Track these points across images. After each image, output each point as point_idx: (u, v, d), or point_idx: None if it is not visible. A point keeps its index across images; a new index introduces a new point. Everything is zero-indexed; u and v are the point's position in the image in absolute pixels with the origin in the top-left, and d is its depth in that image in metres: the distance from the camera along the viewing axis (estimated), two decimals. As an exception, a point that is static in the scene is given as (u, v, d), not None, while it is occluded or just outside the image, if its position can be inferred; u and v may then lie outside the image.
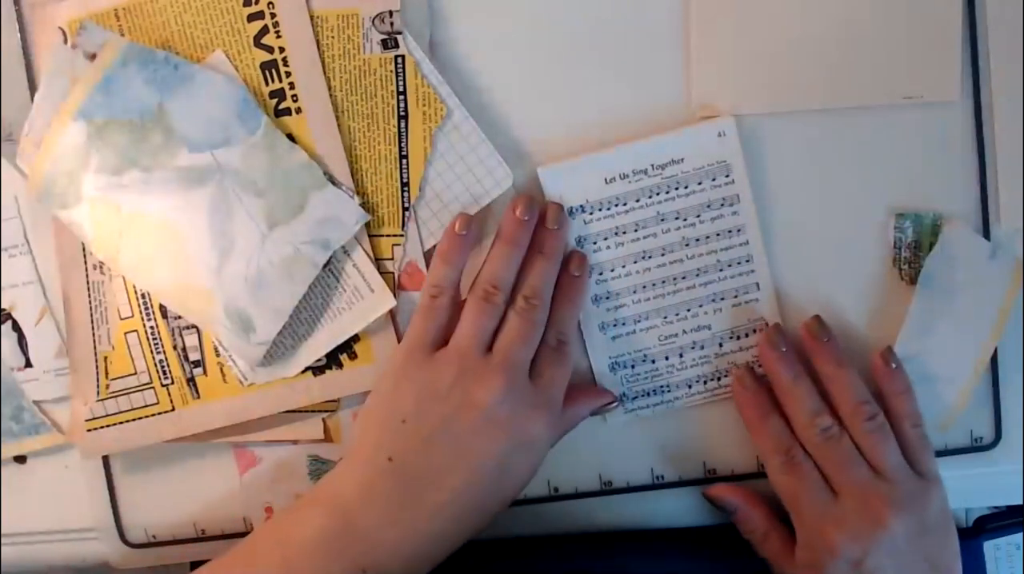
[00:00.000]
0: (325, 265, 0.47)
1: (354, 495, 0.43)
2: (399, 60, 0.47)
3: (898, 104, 0.48)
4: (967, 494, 0.51)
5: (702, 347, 0.49)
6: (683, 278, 0.49)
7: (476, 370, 0.44)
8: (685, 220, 0.48)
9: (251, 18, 0.47)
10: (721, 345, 0.49)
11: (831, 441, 0.46)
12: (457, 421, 0.43)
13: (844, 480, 0.45)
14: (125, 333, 0.49)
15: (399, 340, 0.48)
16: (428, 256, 0.48)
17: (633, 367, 0.49)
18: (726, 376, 0.49)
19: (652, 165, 0.48)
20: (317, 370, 0.49)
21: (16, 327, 0.51)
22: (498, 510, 0.44)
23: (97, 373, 0.49)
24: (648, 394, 0.50)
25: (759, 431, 0.47)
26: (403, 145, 0.48)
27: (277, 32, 0.47)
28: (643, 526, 0.51)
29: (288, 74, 0.47)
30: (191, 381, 0.49)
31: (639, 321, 0.49)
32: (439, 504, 0.43)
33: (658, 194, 0.48)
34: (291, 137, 0.47)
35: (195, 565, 0.52)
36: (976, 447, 0.50)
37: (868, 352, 0.49)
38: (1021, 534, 0.55)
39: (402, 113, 0.48)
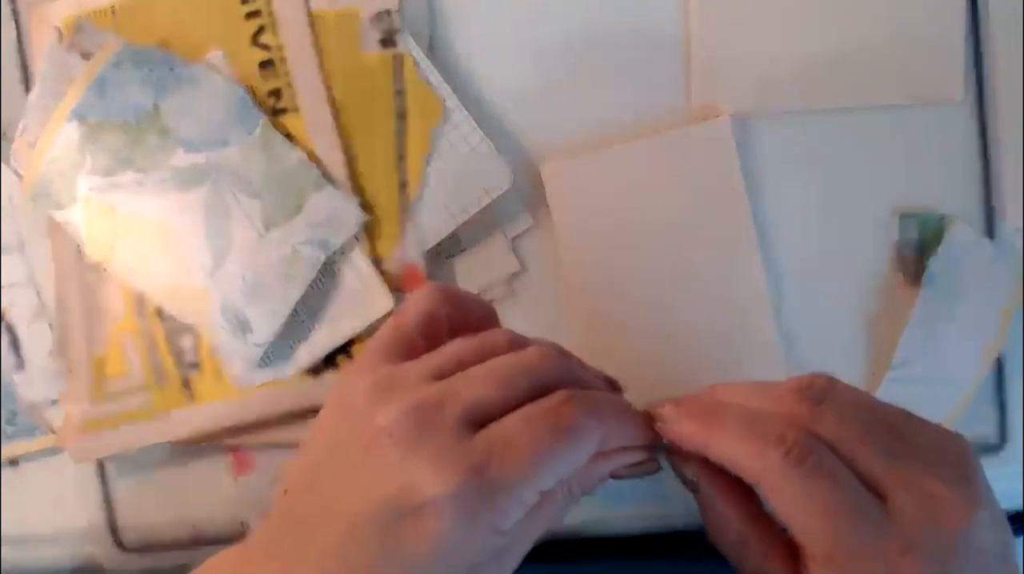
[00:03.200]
0: (323, 266, 0.47)
1: (256, 534, 0.34)
2: (398, 59, 0.47)
3: (900, 104, 0.48)
4: (971, 497, 0.50)
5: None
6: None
7: (392, 385, 0.32)
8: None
9: (249, 16, 0.47)
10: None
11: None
12: (350, 445, 0.32)
13: (887, 464, 0.30)
14: (120, 335, 0.49)
15: (397, 342, 0.48)
16: (428, 256, 0.48)
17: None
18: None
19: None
20: (315, 372, 0.48)
21: (10, 329, 0.50)
22: None
23: (92, 375, 0.49)
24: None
25: (725, 431, 0.31)
26: (402, 145, 0.47)
27: (275, 31, 0.47)
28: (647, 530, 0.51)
29: (286, 73, 0.47)
30: (186, 383, 0.48)
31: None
32: (323, 551, 0.31)
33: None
34: (289, 137, 0.47)
35: (190, 569, 0.52)
36: (980, 450, 0.50)
37: (870, 354, 0.48)
38: (1022, 538, 0.54)
39: (401, 113, 0.47)
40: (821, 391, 0.31)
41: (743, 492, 0.33)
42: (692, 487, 0.33)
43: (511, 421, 0.31)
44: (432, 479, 0.29)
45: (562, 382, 0.32)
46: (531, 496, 0.30)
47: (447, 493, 0.29)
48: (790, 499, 0.29)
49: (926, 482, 0.30)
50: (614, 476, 0.33)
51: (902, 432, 0.31)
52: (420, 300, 0.36)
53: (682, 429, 0.32)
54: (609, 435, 0.32)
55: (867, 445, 0.30)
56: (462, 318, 0.36)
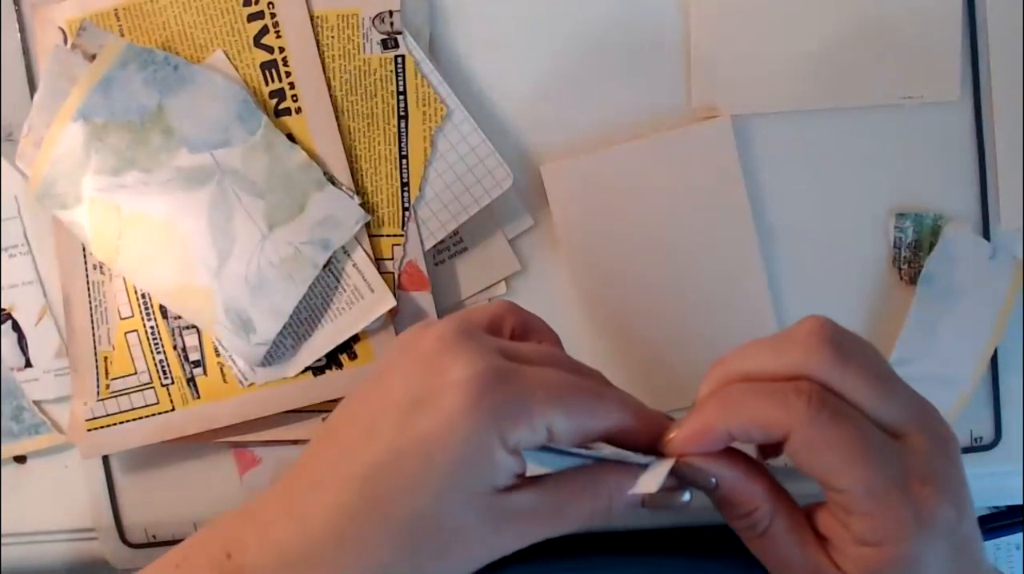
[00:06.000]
0: (325, 265, 0.47)
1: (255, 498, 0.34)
2: (399, 60, 0.47)
3: (898, 104, 0.48)
4: (967, 494, 0.51)
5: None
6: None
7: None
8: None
9: (251, 18, 0.47)
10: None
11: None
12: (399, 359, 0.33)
13: (900, 408, 0.31)
14: (125, 333, 0.49)
15: (399, 340, 0.48)
16: (428, 256, 0.48)
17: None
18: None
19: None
20: (317, 370, 0.49)
21: (16, 327, 0.51)
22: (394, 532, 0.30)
23: (97, 373, 0.49)
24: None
25: (744, 398, 0.31)
26: (403, 145, 0.48)
27: (277, 32, 0.47)
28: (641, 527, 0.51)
29: (288, 74, 0.47)
30: (191, 381, 0.49)
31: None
32: (349, 434, 0.32)
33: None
34: (291, 137, 0.47)
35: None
36: (976, 447, 0.50)
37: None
38: (1021, 534, 0.55)
39: (402, 113, 0.48)
40: (825, 341, 0.31)
41: (761, 471, 0.33)
42: (712, 486, 0.33)
43: (548, 369, 0.32)
44: (459, 365, 0.30)
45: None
46: (540, 429, 0.30)
47: (468, 376, 0.30)
48: (821, 443, 0.30)
49: (934, 423, 0.31)
50: (645, 504, 0.33)
51: (896, 378, 0.32)
52: (490, 306, 0.37)
53: (699, 420, 0.32)
54: (632, 423, 0.32)
55: (875, 389, 0.31)
56: (526, 337, 0.37)
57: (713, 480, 0.32)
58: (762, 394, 0.31)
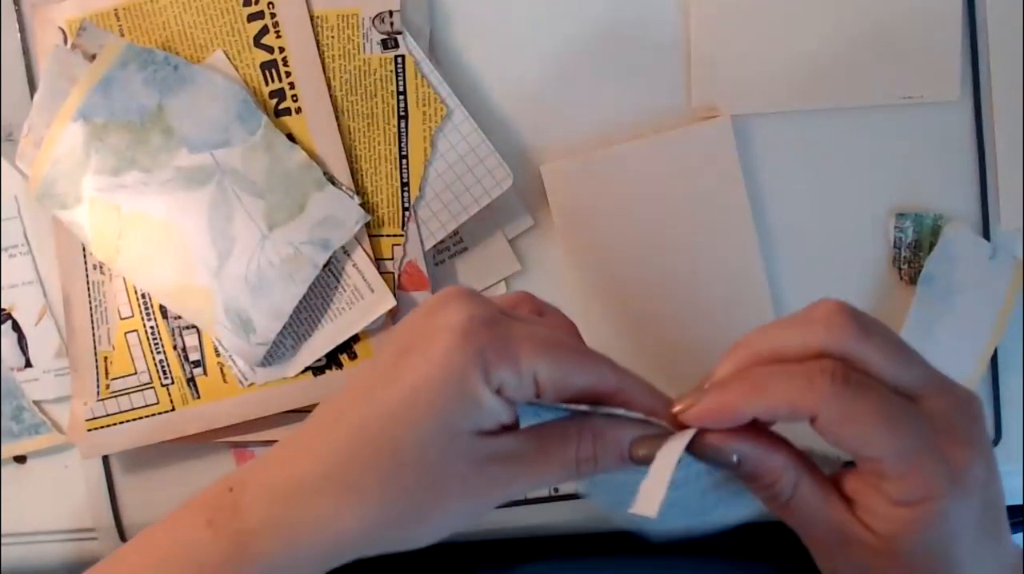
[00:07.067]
0: (325, 265, 0.47)
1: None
2: (399, 60, 0.47)
3: (898, 104, 0.48)
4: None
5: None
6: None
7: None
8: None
9: (251, 18, 0.47)
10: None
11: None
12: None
13: (918, 373, 0.32)
14: (125, 333, 0.49)
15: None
16: (428, 256, 0.48)
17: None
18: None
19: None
20: (317, 370, 0.49)
21: (16, 327, 0.51)
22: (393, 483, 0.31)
23: (97, 373, 0.49)
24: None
25: (769, 380, 0.31)
26: (403, 145, 0.48)
27: (277, 32, 0.47)
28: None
29: (288, 74, 0.47)
30: (191, 381, 0.49)
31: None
32: (346, 385, 0.34)
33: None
34: (291, 137, 0.47)
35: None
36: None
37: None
38: (1021, 534, 0.55)
39: (402, 113, 0.48)
40: (847, 318, 0.32)
41: (780, 440, 0.33)
42: (734, 463, 0.33)
43: (541, 327, 0.33)
44: (452, 311, 0.32)
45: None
46: (527, 375, 0.31)
47: (458, 320, 0.31)
48: (849, 418, 0.30)
49: (952, 385, 0.32)
50: (633, 458, 0.33)
51: (911, 348, 0.33)
52: (507, 294, 0.38)
53: (723, 399, 0.32)
54: (624, 385, 0.33)
55: (895, 358, 0.32)
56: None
57: (735, 457, 0.32)
58: (787, 376, 0.31)
